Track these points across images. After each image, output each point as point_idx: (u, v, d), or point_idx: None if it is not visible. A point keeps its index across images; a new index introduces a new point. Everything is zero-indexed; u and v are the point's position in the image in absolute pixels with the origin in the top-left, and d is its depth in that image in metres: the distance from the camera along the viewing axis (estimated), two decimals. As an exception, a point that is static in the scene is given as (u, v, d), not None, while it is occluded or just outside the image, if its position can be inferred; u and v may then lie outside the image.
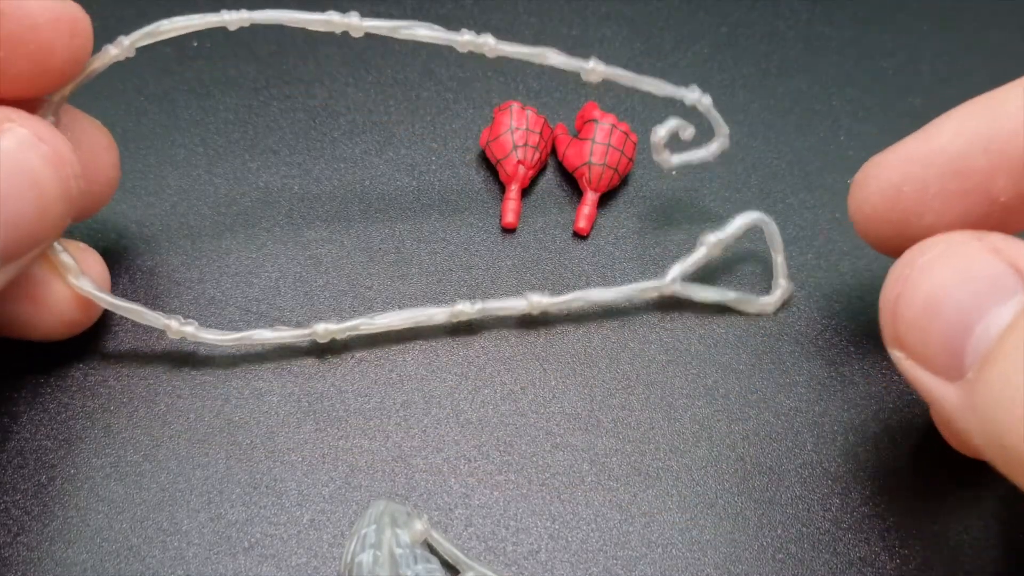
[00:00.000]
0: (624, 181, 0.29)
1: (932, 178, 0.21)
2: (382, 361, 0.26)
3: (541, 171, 0.29)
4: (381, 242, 0.28)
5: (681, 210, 0.29)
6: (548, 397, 0.25)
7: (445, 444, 0.24)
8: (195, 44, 0.31)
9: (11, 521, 0.23)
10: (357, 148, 0.29)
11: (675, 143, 0.26)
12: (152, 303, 0.26)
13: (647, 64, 0.32)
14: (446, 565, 0.22)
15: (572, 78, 0.31)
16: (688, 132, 0.26)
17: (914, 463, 0.25)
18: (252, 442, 0.24)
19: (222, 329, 0.24)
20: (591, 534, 0.23)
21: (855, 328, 0.27)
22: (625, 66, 0.31)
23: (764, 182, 0.29)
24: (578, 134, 0.29)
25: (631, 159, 0.28)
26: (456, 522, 0.23)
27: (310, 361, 0.25)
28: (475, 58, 0.31)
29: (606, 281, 0.27)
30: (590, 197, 0.28)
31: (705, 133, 0.27)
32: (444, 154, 0.29)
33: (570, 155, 0.28)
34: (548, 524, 0.23)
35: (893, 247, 0.22)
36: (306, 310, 0.26)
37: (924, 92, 0.32)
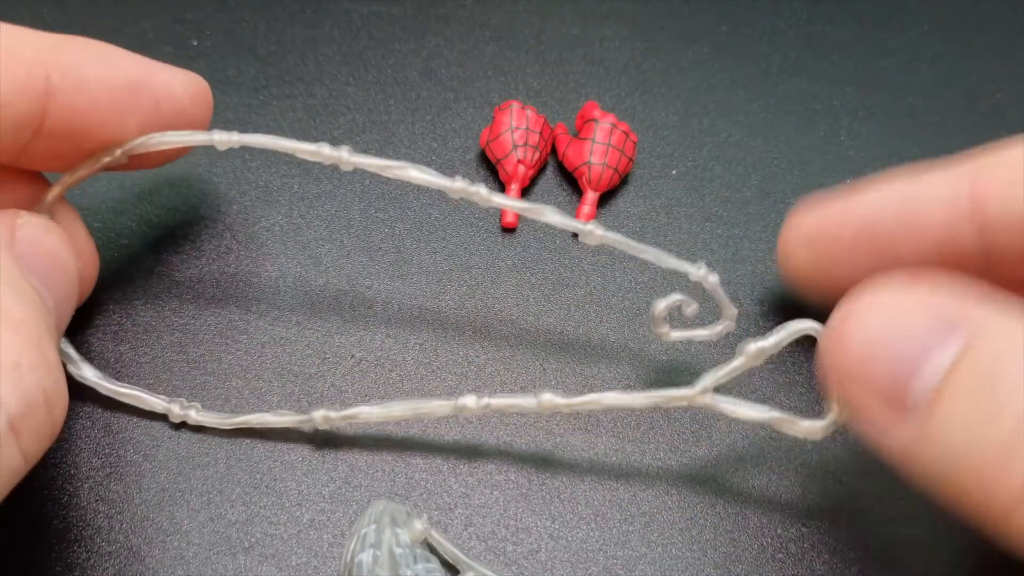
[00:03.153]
0: (624, 181, 0.29)
1: (846, 236, 0.23)
2: (382, 361, 0.26)
3: (541, 171, 0.29)
4: (381, 242, 0.28)
5: (682, 210, 0.29)
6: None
7: (445, 444, 0.24)
8: (195, 44, 0.31)
9: (11, 521, 0.23)
10: (357, 148, 0.29)
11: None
12: (151, 301, 0.26)
13: (647, 64, 0.32)
14: (446, 565, 0.22)
15: (572, 78, 0.31)
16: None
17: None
18: (251, 442, 0.24)
19: (221, 412, 0.24)
20: (591, 534, 0.23)
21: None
22: (625, 66, 0.32)
23: (764, 182, 0.29)
24: (578, 134, 0.29)
25: (631, 159, 0.28)
26: (456, 522, 0.23)
27: (310, 361, 0.25)
28: (475, 58, 0.31)
29: (605, 281, 0.27)
30: (590, 197, 0.28)
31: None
32: (444, 154, 0.29)
33: (570, 155, 0.28)
34: (548, 524, 0.23)
35: (818, 294, 0.24)
36: (306, 309, 0.26)
37: (924, 92, 0.32)
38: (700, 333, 0.25)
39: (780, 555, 0.23)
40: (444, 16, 0.32)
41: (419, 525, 0.21)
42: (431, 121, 0.30)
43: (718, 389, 0.23)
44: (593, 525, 0.23)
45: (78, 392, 0.25)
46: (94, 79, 0.22)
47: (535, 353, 0.26)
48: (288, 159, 0.29)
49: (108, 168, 0.24)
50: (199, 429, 0.24)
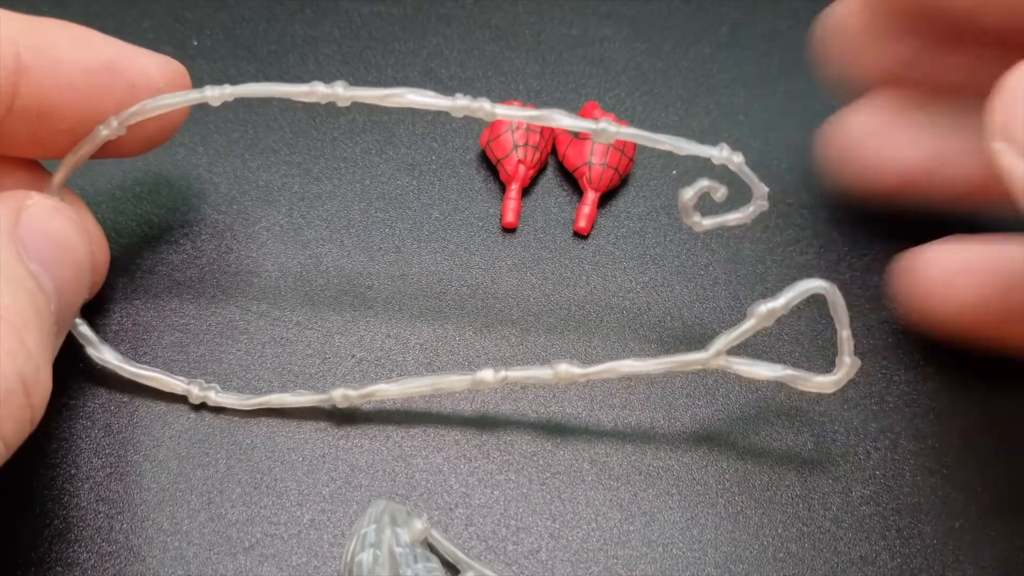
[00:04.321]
0: (624, 181, 0.29)
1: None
2: (382, 361, 0.26)
3: (541, 171, 0.29)
4: (381, 242, 0.28)
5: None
6: (548, 396, 0.25)
7: (445, 444, 0.24)
8: (195, 44, 0.31)
9: (12, 521, 0.23)
10: (357, 148, 0.29)
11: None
12: (151, 301, 0.26)
13: (647, 64, 0.32)
14: (446, 564, 0.22)
15: (572, 78, 0.31)
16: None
17: (914, 463, 0.25)
18: (252, 442, 0.24)
19: (241, 393, 0.24)
20: (591, 533, 0.23)
21: (854, 328, 0.27)
22: (625, 66, 0.32)
23: (764, 182, 0.29)
24: (578, 134, 0.29)
25: (632, 159, 0.28)
26: (456, 521, 0.23)
27: (311, 361, 0.25)
28: (475, 58, 0.31)
29: (605, 281, 0.27)
30: (590, 197, 0.28)
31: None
32: (444, 154, 0.29)
33: (570, 155, 0.28)
34: (548, 523, 0.23)
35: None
36: (306, 309, 0.26)
37: (924, 92, 0.32)
38: (733, 216, 0.24)
39: (780, 555, 0.23)
40: (444, 16, 0.32)
41: (419, 525, 0.21)
42: (431, 121, 0.30)
43: (731, 352, 0.23)
44: (593, 525, 0.23)
45: (78, 390, 0.25)
46: (68, 60, 0.22)
47: (535, 353, 0.26)
48: (288, 159, 0.29)
49: (108, 151, 0.23)
50: (219, 411, 0.24)
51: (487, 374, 0.23)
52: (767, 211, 0.29)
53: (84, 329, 0.24)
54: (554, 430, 0.25)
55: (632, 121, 0.30)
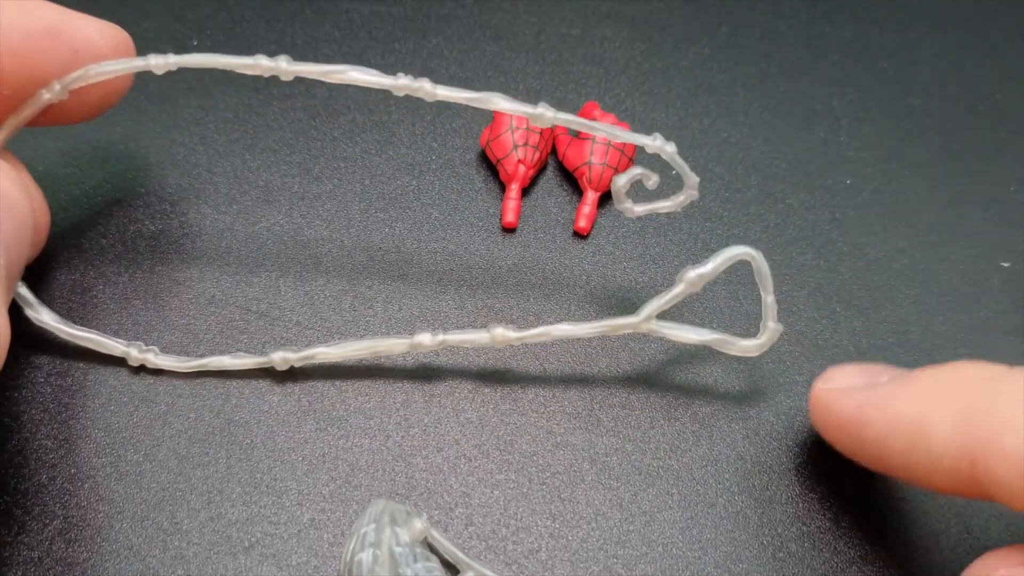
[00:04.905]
0: (624, 181, 0.29)
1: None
2: (382, 360, 0.26)
3: (541, 171, 0.29)
4: (381, 242, 0.28)
5: (682, 210, 0.29)
6: (548, 396, 0.25)
7: (445, 444, 0.24)
8: (195, 44, 0.31)
9: (11, 521, 0.23)
10: (357, 148, 0.29)
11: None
12: (152, 302, 0.26)
13: (647, 64, 0.32)
14: (446, 564, 0.22)
15: (572, 78, 0.31)
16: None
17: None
18: (252, 442, 0.24)
19: (180, 356, 0.25)
20: (591, 533, 0.23)
21: (855, 328, 0.27)
22: (625, 66, 0.32)
23: (764, 182, 0.29)
24: (578, 134, 0.29)
25: (631, 159, 0.28)
26: (456, 521, 0.23)
27: (311, 360, 0.25)
28: (475, 58, 0.31)
29: (605, 281, 0.27)
30: (590, 197, 0.28)
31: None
32: (444, 154, 0.29)
33: (570, 155, 0.28)
34: (548, 523, 0.23)
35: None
36: (306, 309, 0.26)
37: (924, 92, 0.32)
38: (663, 204, 0.25)
39: (780, 555, 0.23)
40: (444, 16, 0.32)
41: (419, 524, 0.21)
42: (431, 121, 0.30)
43: (662, 316, 0.24)
44: (593, 525, 0.23)
45: (78, 390, 0.25)
46: (7, 24, 0.22)
47: (535, 353, 0.26)
48: (288, 158, 0.29)
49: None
50: (158, 373, 0.24)
51: (424, 337, 0.24)
52: (767, 211, 0.29)
53: (23, 291, 0.24)
54: (554, 430, 0.25)
55: (632, 121, 0.30)
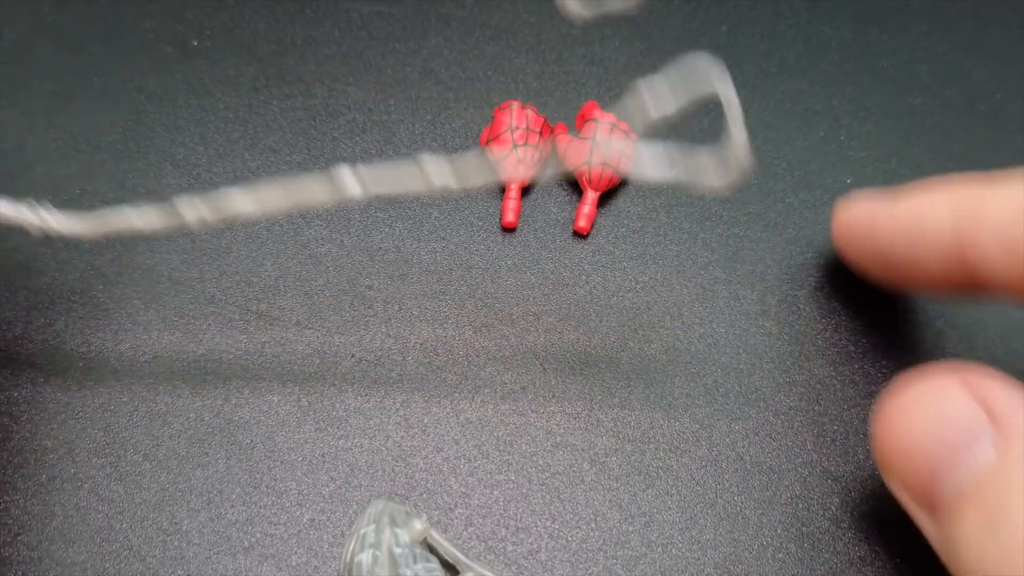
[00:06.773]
0: (624, 181, 0.29)
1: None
2: (382, 361, 0.26)
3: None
4: (381, 242, 0.28)
5: (682, 210, 0.29)
6: (548, 397, 0.25)
7: (445, 444, 0.24)
8: (195, 44, 0.31)
9: (11, 521, 0.23)
10: (357, 147, 0.29)
11: None
12: (151, 303, 0.26)
13: (647, 64, 0.32)
14: (445, 564, 0.22)
15: (572, 78, 0.31)
16: None
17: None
18: (252, 442, 0.24)
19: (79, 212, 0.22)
20: (591, 533, 0.23)
21: (855, 328, 0.27)
22: (625, 66, 0.32)
23: (764, 182, 0.29)
24: (578, 133, 0.29)
25: (632, 159, 0.28)
26: (456, 522, 0.23)
27: (311, 360, 0.25)
28: (475, 58, 0.31)
29: (605, 281, 0.27)
30: (590, 196, 0.28)
31: None
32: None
33: (570, 155, 0.28)
34: (548, 523, 0.23)
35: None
36: (306, 309, 0.26)
37: (924, 92, 0.32)
38: (613, 3, 0.23)
39: (780, 555, 0.23)
40: (444, 16, 0.32)
41: (419, 525, 0.21)
42: (431, 121, 0.30)
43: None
44: (593, 525, 0.23)
45: (78, 390, 0.25)
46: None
47: (535, 353, 0.26)
48: (288, 159, 0.29)
49: None
50: (73, 246, 0.23)
51: (346, 173, 0.22)
52: (767, 211, 0.29)
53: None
54: (554, 430, 0.25)
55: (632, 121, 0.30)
